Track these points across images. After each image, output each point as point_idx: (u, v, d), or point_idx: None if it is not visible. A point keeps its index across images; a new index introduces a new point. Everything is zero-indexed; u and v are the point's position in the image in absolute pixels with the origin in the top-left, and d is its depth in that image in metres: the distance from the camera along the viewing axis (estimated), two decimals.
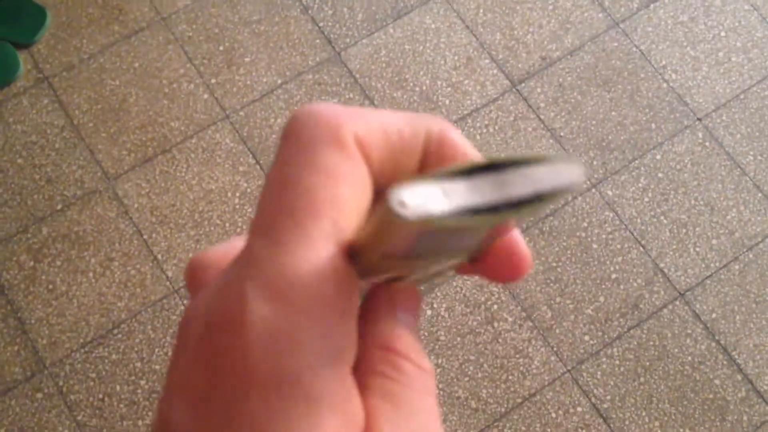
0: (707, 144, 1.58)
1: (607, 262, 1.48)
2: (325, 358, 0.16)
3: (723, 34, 1.67)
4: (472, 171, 0.16)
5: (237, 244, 0.21)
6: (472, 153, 0.19)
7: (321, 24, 1.65)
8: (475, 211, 0.15)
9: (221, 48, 1.62)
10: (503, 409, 1.38)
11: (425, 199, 0.15)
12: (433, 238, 0.16)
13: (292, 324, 0.16)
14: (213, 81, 1.59)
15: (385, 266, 0.18)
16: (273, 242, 0.16)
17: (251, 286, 0.16)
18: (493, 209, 0.16)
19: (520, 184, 0.16)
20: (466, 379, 1.40)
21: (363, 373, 0.18)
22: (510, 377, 1.41)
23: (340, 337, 0.17)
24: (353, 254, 0.17)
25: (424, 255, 0.17)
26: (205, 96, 1.58)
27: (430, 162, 0.19)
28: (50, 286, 1.44)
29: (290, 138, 0.18)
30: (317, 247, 0.16)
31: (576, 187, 0.16)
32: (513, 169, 0.16)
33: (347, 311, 0.17)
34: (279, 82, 1.59)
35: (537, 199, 0.16)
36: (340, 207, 0.17)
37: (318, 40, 1.63)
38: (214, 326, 0.16)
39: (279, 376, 0.16)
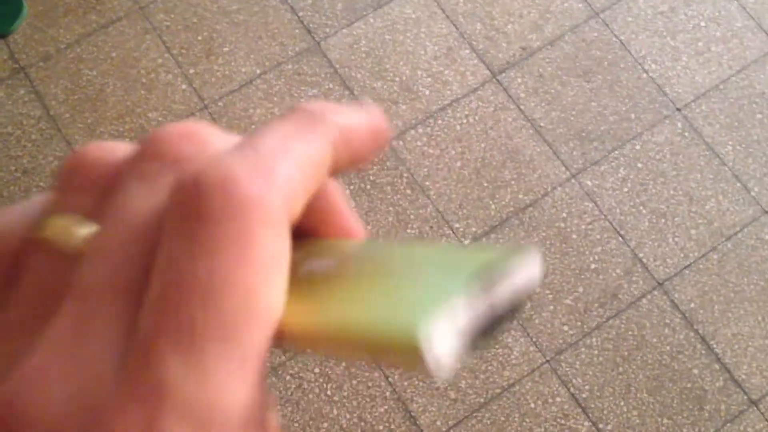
0: (686, 134, 1.58)
1: (587, 253, 1.48)
2: None
3: (703, 24, 1.67)
4: (468, 281, 0.14)
5: (34, 204, 0.18)
6: (345, 209, 0.19)
7: (300, 14, 1.64)
8: (477, 341, 0.14)
9: (200, 38, 1.61)
10: (482, 400, 1.38)
11: (444, 347, 0.14)
12: None
13: None
14: (191, 71, 1.58)
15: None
16: (199, 368, 0.14)
17: (175, 423, 0.14)
18: (487, 332, 0.15)
19: (501, 297, 0.15)
20: None
21: None
22: (489, 368, 1.41)
23: None
24: (279, 339, 0.16)
25: None
26: (184, 86, 1.57)
27: (313, 209, 0.18)
28: None
29: (213, 219, 0.15)
30: (248, 370, 0.15)
31: (537, 283, 0.15)
32: (499, 276, 0.15)
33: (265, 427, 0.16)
34: (258, 72, 1.58)
35: (517, 309, 0.15)
36: (278, 306, 0.15)
37: (297, 30, 1.62)
38: None
39: None
